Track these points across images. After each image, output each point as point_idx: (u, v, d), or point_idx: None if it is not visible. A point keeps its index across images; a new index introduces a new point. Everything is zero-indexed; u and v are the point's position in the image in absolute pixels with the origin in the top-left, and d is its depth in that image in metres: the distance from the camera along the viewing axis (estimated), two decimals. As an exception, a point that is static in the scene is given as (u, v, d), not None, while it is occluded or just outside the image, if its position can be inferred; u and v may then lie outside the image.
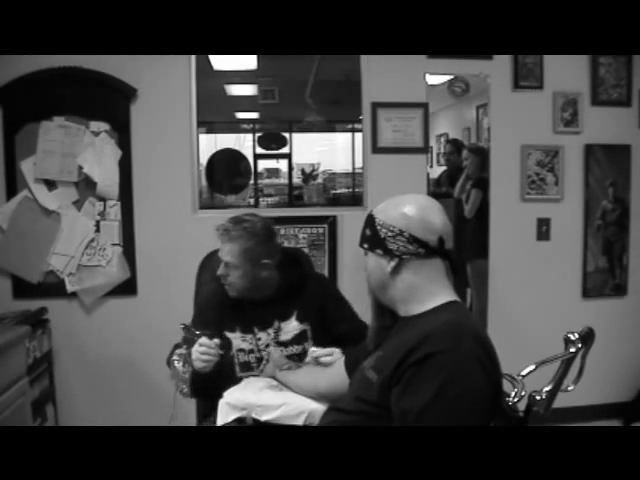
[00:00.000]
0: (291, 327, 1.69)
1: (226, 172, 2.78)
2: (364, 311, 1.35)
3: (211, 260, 1.93)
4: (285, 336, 1.68)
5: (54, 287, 2.40)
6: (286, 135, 2.82)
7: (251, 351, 1.67)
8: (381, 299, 1.18)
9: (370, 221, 1.16)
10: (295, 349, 1.68)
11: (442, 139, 2.97)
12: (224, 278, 1.67)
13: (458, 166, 2.88)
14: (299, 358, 1.66)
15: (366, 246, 1.17)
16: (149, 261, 2.49)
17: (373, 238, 1.14)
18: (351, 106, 2.66)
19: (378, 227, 1.13)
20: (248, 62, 2.66)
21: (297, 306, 1.70)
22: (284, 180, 2.86)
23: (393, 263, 1.11)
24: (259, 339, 1.67)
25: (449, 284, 1.14)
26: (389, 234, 1.11)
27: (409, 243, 1.10)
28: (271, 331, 1.68)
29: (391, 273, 1.12)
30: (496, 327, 2.62)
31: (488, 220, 2.71)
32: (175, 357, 1.60)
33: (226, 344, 1.62)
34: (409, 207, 1.12)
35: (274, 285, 1.71)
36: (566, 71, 2.71)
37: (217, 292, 1.73)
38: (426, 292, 1.12)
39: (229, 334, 1.68)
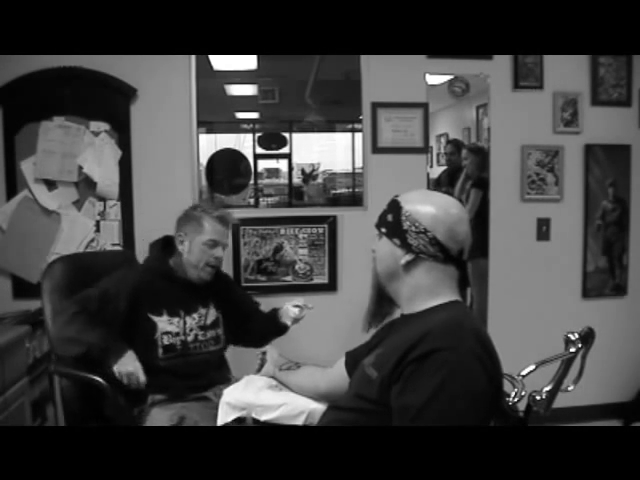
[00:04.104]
0: (211, 313, 1.86)
1: (226, 172, 2.77)
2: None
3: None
4: (207, 321, 1.84)
5: (54, 287, 2.39)
6: (286, 135, 2.81)
7: (177, 334, 1.76)
8: (385, 287, 1.18)
9: (395, 208, 1.14)
10: (214, 333, 1.85)
11: (442, 139, 2.97)
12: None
13: (458, 166, 2.88)
14: (215, 341, 1.85)
15: (384, 230, 1.15)
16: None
17: (394, 226, 1.12)
18: (351, 106, 2.65)
19: (403, 217, 1.11)
20: (248, 62, 2.66)
21: (212, 294, 1.88)
22: (284, 180, 2.85)
23: (408, 257, 1.11)
24: (185, 323, 1.78)
25: (455, 288, 1.14)
26: (413, 228, 1.10)
27: (430, 244, 1.09)
28: (196, 316, 1.81)
29: (404, 266, 1.11)
30: (496, 327, 2.62)
31: (488, 220, 2.71)
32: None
33: None
34: (440, 210, 1.10)
35: None
36: (566, 71, 2.71)
37: (136, 279, 1.78)
38: (431, 293, 1.12)
39: (155, 317, 1.75)
